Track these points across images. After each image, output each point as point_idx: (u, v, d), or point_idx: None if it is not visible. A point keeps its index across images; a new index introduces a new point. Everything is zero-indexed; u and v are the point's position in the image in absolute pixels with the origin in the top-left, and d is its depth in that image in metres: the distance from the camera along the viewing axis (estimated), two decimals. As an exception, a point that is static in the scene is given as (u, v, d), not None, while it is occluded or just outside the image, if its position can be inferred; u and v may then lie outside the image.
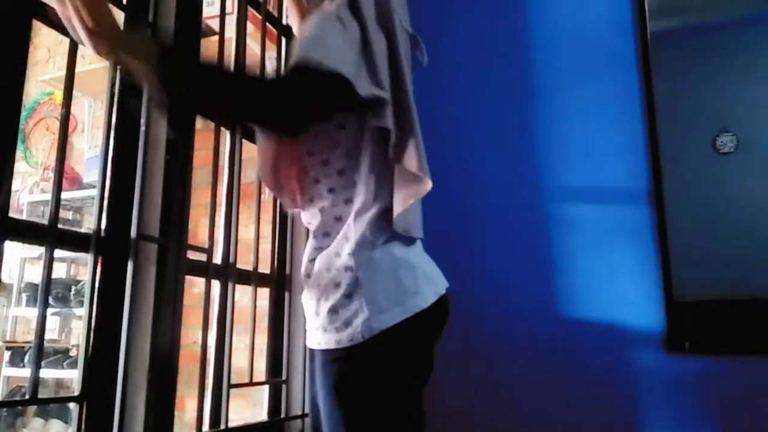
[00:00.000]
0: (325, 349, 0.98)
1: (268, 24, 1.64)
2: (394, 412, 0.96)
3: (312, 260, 1.03)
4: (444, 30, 2.03)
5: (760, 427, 1.49)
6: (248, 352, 1.46)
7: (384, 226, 1.00)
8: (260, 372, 1.51)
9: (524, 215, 1.82)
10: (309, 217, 1.07)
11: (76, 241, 1.04)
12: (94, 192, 1.08)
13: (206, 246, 1.31)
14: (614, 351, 1.65)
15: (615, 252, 1.70)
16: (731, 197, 1.63)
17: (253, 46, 1.74)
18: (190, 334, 1.86)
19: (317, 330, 1.01)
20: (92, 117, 3.05)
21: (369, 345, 0.94)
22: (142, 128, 1.12)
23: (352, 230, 0.99)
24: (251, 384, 1.47)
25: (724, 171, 1.63)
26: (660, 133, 1.68)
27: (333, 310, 0.97)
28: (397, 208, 1.00)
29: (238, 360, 1.50)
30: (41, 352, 0.98)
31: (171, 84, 0.88)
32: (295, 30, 1.26)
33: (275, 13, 1.73)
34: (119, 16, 1.14)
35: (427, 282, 1.02)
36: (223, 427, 1.33)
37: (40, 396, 0.96)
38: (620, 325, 1.66)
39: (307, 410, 1.61)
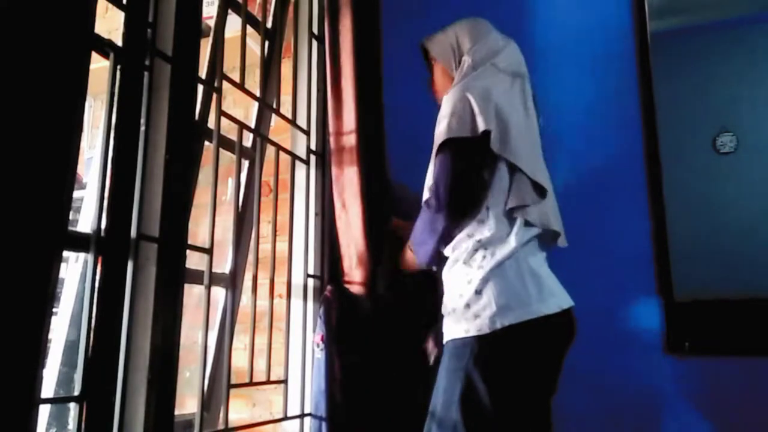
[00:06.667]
0: (455, 338, 1.13)
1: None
2: (507, 404, 1.09)
3: (449, 269, 1.23)
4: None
5: (760, 427, 1.49)
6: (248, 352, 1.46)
7: (508, 235, 1.17)
8: (260, 372, 1.51)
9: (524, 215, 1.81)
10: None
11: (76, 241, 1.04)
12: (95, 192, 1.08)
13: (207, 246, 1.31)
14: (614, 351, 1.65)
15: (614, 251, 1.70)
16: (731, 197, 1.63)
17: (253, 47, 1.74)
18: (190, 334, 1.85)
19: (450, 323, 1.18)
20: (92, 117, 3.05)
21: (493, 337, 1.09)
22: (142, 128, 1.12)
23: (482, 241, 1.17)
24: (251, 384, 1.47)
25: (724, 171, 1.63)
26: (660, 133, 1.68)
27: (467, 305, 1.14)
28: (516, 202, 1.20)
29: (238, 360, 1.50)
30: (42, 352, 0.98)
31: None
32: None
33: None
34: (119, 16, 1.14)
35: (550, 294, 1.16)
36: (222, 427, 1.33)
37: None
38: (620, 325, 1.66)
39: (307, 410, 1.61)
